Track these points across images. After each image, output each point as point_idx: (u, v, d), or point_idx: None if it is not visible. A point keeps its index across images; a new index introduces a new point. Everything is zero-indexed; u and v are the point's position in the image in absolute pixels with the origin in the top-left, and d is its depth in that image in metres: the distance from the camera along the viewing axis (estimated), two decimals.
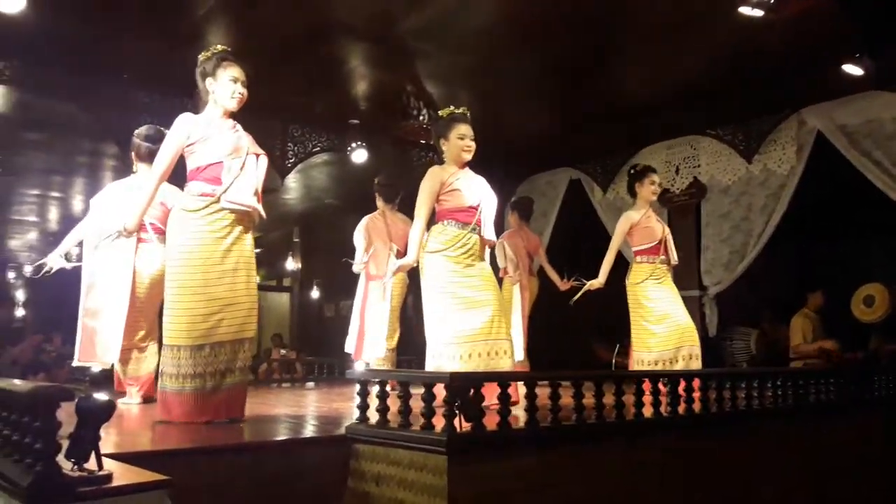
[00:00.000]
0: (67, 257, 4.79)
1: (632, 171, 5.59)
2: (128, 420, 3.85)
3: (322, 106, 6.87)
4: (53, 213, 11.05)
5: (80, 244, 4.72)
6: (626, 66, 5.97)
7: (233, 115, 3.66)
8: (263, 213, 3.60)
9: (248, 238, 3.57)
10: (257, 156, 3.62)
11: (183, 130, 3.51)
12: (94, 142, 7.33)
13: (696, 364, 5.16)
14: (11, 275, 16.06)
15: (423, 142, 7.62)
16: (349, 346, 5.79)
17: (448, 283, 3.99)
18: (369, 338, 5.63)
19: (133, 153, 4.71)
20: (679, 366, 5.10)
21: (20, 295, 17.69)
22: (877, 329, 6.98)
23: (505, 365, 3.98)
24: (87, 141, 7.39)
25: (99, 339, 4.39)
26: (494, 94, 6.45)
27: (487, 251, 4.25)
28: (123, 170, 8.51)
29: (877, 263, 7.83)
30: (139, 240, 4.43)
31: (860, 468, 4.60)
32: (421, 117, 6.67)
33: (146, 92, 6.06)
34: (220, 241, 3.44)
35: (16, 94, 5.99)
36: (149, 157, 4.37)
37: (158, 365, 3.63)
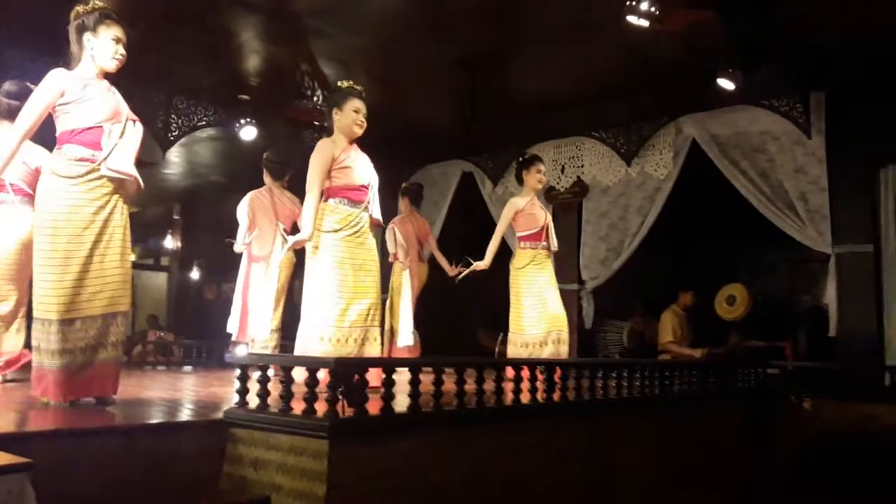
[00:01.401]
0: None
1: (520, 160, 5.81)
2: (3, 399, 3.58)
3: (211, 79, 6.61)
4: None
5: None
6: (523, 63, 6.15)
7: (111, 79, 3.45)
8: (142, 184, 3.42)
9: (124, 209, 3.38)
10: (134, 122, 3.42)
11: (56, 86, 3.25)
12: None
13: (564, 348, 5.43)
14: None
15: (317, 122, 7.49)
16: (231, 326, 5.62)
17: (337, 266, 3.98)
18: (252, 319, 5.49)
19: None
20: (548, 349, 5.35)
21: None
22: (737, 326, 7.57)
23: (374, 351, 4.07)
24: None
25: None
26: (393, 80, 6.44)
27: (389, 233, 4.28)
28: None
29: (743, 267, 8.50)
30: None
31: (720, 450, 4.99)
32: (315, 97, 6.55)
33: (17, 50, 5.59)
34: (97, 211, 3.24)
35: None
36: (11, 114, 3.99)
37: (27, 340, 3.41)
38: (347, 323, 3.96)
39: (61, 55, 5.51)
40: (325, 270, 4.00)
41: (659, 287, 8.33)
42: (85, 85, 3.32)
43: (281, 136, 7.46)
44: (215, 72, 6.45)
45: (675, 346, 7.28)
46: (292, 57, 6.15)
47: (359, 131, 4.18)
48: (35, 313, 3.23)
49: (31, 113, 3.25)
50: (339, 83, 4.28)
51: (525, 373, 3.68)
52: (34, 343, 3.23)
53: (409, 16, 5.31)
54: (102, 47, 3.36)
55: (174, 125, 6.68)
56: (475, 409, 3.24)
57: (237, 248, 5.63)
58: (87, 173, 3.23)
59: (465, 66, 6.11)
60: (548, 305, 5.45)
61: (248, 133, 7.07)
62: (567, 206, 7.74)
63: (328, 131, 4.29)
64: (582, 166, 7.65)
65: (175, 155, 8.24)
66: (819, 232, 6.27)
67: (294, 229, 5.78)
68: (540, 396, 3.67)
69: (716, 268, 8.39)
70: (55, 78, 3.28)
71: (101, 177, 3.26)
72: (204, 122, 6.92)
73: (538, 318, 5.42)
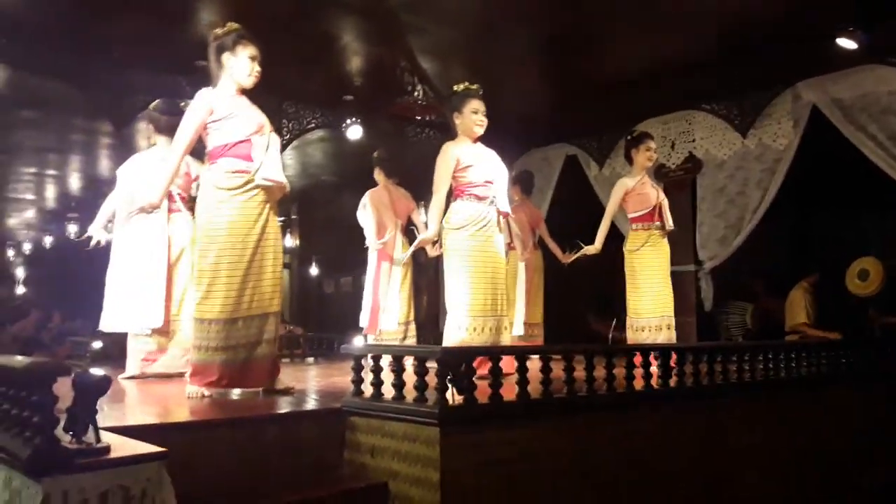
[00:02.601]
0: (107, 229, 4.88)
1: (628, 137, 5.64)
2: (133, 393, 3.91)
3: (316, 82, 6.84)
4: (50, 191, 11.06)
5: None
6: (621, 38, 5.93)
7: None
8: (287, 187, 3.68)
9: (274, 215, 3.66)
10: (272, 132, 3.71)
11: (205, 106, 3.55)
12: (88, 119, 7.33)
13: (671, 333, 5.27)
14: (10, 253, 16.10)
15: (419, 117, 7.60)
16: (363, 320, 5.83)
17: (468, 261, 4.13)
18: (383, 312, 5.69)
19: (152, 126, 4.87)
20: (663, 334, 5.20)
21: (19, 273, 17.73)
22: (872, 303, 7.03)
23: (506, 339, 4.24)
24: (81, 119, 7.39)
25: (136, 307, 4.52)
26: (489, 68, 6.41)
27: (504, 222, 4.37)
28: (118, 146, 8.55)
29: (871, 238, 7.87)
30: (170, 210, 4.61)
31: (855, 439, 4.68)
32: (415, 93, 6.64)
33: (137, 70, 6.03)
34: (254, 219, 3.52)
35: (8, 72, 5.98)
36: (168, 128, 4.55)
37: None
38: (481, 312, 4.10)
39: (178, 71, 5.92)
40: (456, 265, 4.17)
41: (781, 264, 7.87)
42: (229, 102, 3.61)
43: (385, 132, 7.61)
44: (320, 75, 6.66)
45: (810, 328, 6.85)
46: (391, 54, 6.25)
47: (479, 131, 4.31)
48: (196, 314, 3.51)
49: (186, 132, 3.58)
50: (454, 87, 4.40)
51: (638, 359, 3.60)
52: (195, 342, 3.51)
53: (495, 2, 5.27)
54: (240, 66, 3.62)
55: (286, 129, 6.98)
56: (586, 395, 3.21)
57: (374, 245, 5.78)
58: (244, 184, 3.51)
59: (561, 46, 5.98)
60: (662, 288, 5.30)
61: (355, 132, 7.26)
62: (679, 183, 7.43)
63: (452, 134, 4.42)
64: (693, 141, 7.33)
65: (289, 158, 8.59)
66: None
67: (408, 224, 5.94)
68: (655, 382, 3.58)
69: (841, 241, 7.80)
70: (203, 98, 3.57)
71: (255, 186, 3.53)
72: (313, 125, 7.17)
73: (653, 301, 5.28)
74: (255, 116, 3.65)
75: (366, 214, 5.76)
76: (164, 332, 4.60)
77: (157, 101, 4.96)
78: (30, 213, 12.69)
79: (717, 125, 7.10)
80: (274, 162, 3.60)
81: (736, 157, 7.00)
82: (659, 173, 7.35)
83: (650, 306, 5.28)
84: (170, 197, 4.51)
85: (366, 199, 5.80)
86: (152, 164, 4.60)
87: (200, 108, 3.55)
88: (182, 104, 3.92)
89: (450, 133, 4.45)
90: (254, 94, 3.82)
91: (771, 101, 6.64)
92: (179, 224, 4.68)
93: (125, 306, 4.54)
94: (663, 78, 6.56)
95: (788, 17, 5.31)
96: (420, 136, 7.90)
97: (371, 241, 5.77)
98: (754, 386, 4.12)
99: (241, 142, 3.55)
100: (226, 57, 3.62)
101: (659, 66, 6.33)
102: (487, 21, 5.55)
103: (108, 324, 4.59)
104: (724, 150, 7.09)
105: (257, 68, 3.66)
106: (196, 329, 3.51)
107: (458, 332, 4.10)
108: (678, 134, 7.42)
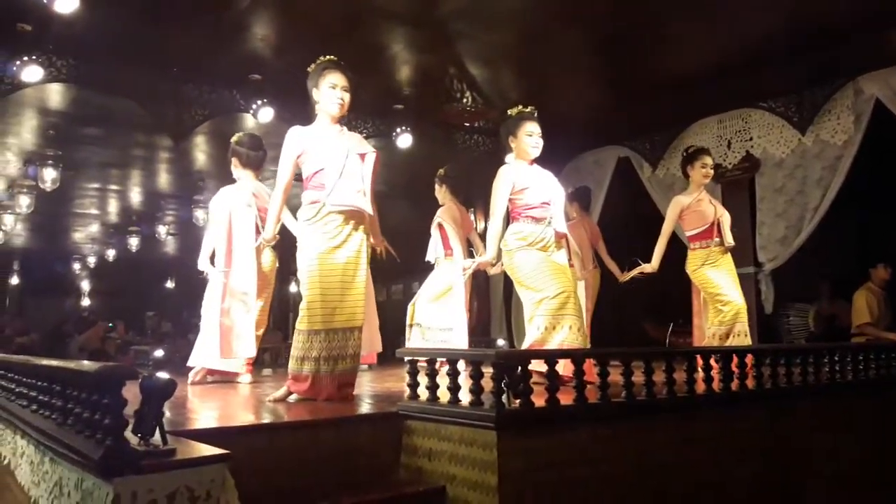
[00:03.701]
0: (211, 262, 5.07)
1: (684, 154, 5.56)
2: (196, 397, 4.02)
3: (367, 92, 6.91)
4: (112, 206, 11.46)
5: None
6: (672, 36, 5.83)
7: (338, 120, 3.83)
8: (370, 210, 3.74)
9: (358, 235, 3.71)
10: (363, 156, 3.75)
11: (295, 144, 3.71)
12: (148, 135, 7.58)
13: (748, 341, 5.16)
14: (76, 266, 16.72)
15: (468, 124, 7.61)
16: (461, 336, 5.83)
17: (536, 264, 4.16)
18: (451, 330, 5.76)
19: (234, 159, 5.03)
20: (731, 342, 5.06)
21: (84, 285, 18.41)
22: None
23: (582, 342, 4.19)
24: (142, 134, 7.64)
25: (235, 336, 4.68)
26: (537, 72, 6.40)
27: (564, 243, 4.39)
28: (177, 160, 8.80)
29: None
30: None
31: None
32: (464, 100, 6.66)
33: (194, 84, 6.21)
34: (334, 242, 3.63)
35: (74, 91, 6.23)
36: (249, 163, 4.95)
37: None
38: (570, 312, 4.09)
39: (233, 85, 6.06)
40: (522, 278, 4.20)
41: (845, 264, 7.60)
42: (317, 135, 3.72)
43: (435, 140, 7.65)
44: (371, 85, 6.73)
45: (874, 329, 6.59)
46: (440, 62, 6.29)
47: (535, 153, 4.33)
48: (299, 326, 3.65)
49: (282, 173, 3.77)
50: (509, 111, 4.42)
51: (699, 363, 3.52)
52: (295, 352, 3.64)
53: (545, 4, 5.25)
54: (325, 96, 3.74)
55: None
56: (645, 399, 3.15)
57: (464, 264, 5.80)
58: (317, 213, 3.63)
59: (610, 46, 5.92)
60: (730, 299, 5.17)
61: (405, 141, 7.33)
62: (737, 183, 7.25)
63: (504, 155, 4.50)
64: (750, 139, 7.14)
65: None
66: None
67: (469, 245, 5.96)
68: (716, 385, 3.49)
69: None
70: (291, 137, 3.74)
71: (329, 212, 3.63)
72: (365, 134, 7.25)
73: (724, 312, 5.18)
74: (334, 143, 3.70)
75: (440, 232, 5.79)
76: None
77: (240, 134, 5.15)
78: (94, 228, 13.16)
79: (774, 123, 6.92)
80: (347, 186, 3.64)
81: (795, 155, 6.80)
82: (715, 173, 7.18)
83: (729, 314, 5.16)
84: (255, 229, 4.74)
85: (441, 218, 5.81)
86: (237, 198, 4.87)
87: (289, 147, 3.71)
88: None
89: (498, 138, 4.46)
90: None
91: (831, 97, 6.44)
92: (266, 254, 4.91)
93: (226, 338, 4.68)
94: (718, 76, 6.43)
95: (850, 7, 5.15)
96: (469, 142, 7.92)
97: (447, 257, 5.77)
98: (819, 389, 3.98)
99: (318, 172, 3.66)
100: (314, 91, 3.76)
101: (714, 64, 6.21)
102: (539, 25, 5.53)
103: (219, 355, 4.69)
104: (782, 148, 6.89)
105: (339, 95, 3.73)
106: (298, 339, 3.66)
107: (535, 331, 4.09)
108: (734, 133, 7.25)
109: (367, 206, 3.72)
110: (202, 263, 5.05)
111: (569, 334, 4.04)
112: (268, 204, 4.89)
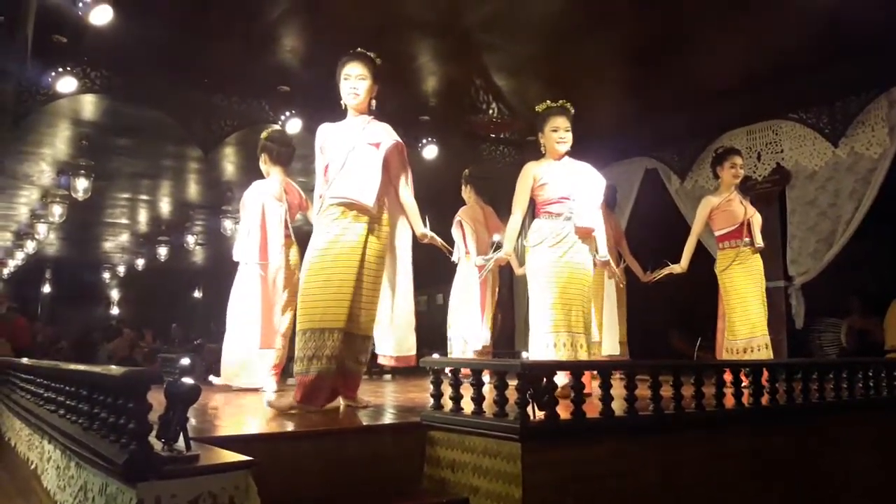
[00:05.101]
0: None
1: (715, 154, 5.56)
2: (220, 405, 4.03)
3: (393, 103, 6.95)
4: (142, 216, 11.63)
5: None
6: (701, 47, 5.77)
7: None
8: (369, 203, 3.51)
9: (357, 228, 3.52)
10: (377, 144, 3.62)
11: (317, 140, 3.75)
12: (178, 145, 7.68)
13: (768, 353, 5.08)
14: (106, 275, 16.98)
15: (493, 135, 7.60)
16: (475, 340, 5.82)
17: (544, 277, 4.10)
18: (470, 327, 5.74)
19: (264, 155, 5.09)
20: (758, 356, 5.00)
21: (114, 294, 18.67)
22: None
23: (581, 358, 4.07)
24: (172, 145, 7.75)
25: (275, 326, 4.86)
26: (563, 83, 6.35)
27: (594, 237, 4.27)
28: (206, 171, 8.90)
29: None
30: (286, 237, 4.94)
31: None
32: (490, 110, 6.65)
33: (224, 95, 6.29)
34: (328, 236, 3.53)
35: (106, 102, 6.34)
36: (280, 159, 5.02)
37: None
38: (562, 329, 4.02)
39: (262, 95, 6.10)
40: (534, 282, 4.15)
41: (878, 279, 7.44)
42: (335, 129, 3.72)
43: (459, 151, 7.65)
44: (397, 96, 6.77)
45: None
46: (466, 73, 6.30)
47: (561, 147, 4.25)
48: (298, 326, 3.57)
49: (318, 169, 3.73)
50: (537, 108, 4.37)
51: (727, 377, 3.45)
52: (295, 353, 3.57)
53: (572, 14, 5.23)
54: (342, 89, 3.73)
55: None
56: (673, 413, 3.09)
57: (478, 262, 5.78)
58: (320, 207, 3.62)
59: (637, 57, 5.89)
60: (756, 308, 5.13)
61: (430, 152, 7.33)
62: (767, 196, 7.13)
63: (535, 152, 4.45)
64: (781, 151, 7.03)
65: None
66: None
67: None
68: (745, 400, 3.42)
69: None
70: (317, 134, 3.76)
71: (330, 205, 3.56)
72: None
73: (745, 322, 5.13)
74: (342, 136, 3.65)
75: (461, 231, 5.77)
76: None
77: (270, 130, 5.22)
78: (124, 237, 13.36)
79: (805, 134, 6.80)
80: (348, 178, 3.53)
81: (827, 167, 6.68)
82: (745, 186, 7.05)
83: (743, 328, 5.13)
84: (285, 224, 4.87)
85: (461, 216, 5.80)
86: (272, 191, 4.94)
87: (317, 143, 3.73)
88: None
89: (523, 149, 4.44)
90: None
91: (864, 108, 6.32)
92: (293, 251, 4.97)
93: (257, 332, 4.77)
94: (748, 87, 6.36)
95: (882, 18, 5.06)
96: (494, 153, 7.90)
97: (478, 260, 5.74)
98: (852, 406, 3.88)
99: (326, 166, 3.64)
100: (339, 86, 3.74)
101: (744, 75, 6.14)
102: (560, 34, 5.52)
103: (260, 343, 4.77)
104: (814, 160, 6.77)
105: (352, 84, 3.67)
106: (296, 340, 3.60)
107: (543, 350, 4.02)
108: (764, 145, 7.15)
109: (367, 199, 3.50)
110: (237, 254, 5.08)
111: (567, 352, 3.98)
112: (297, 199, 5.06)
